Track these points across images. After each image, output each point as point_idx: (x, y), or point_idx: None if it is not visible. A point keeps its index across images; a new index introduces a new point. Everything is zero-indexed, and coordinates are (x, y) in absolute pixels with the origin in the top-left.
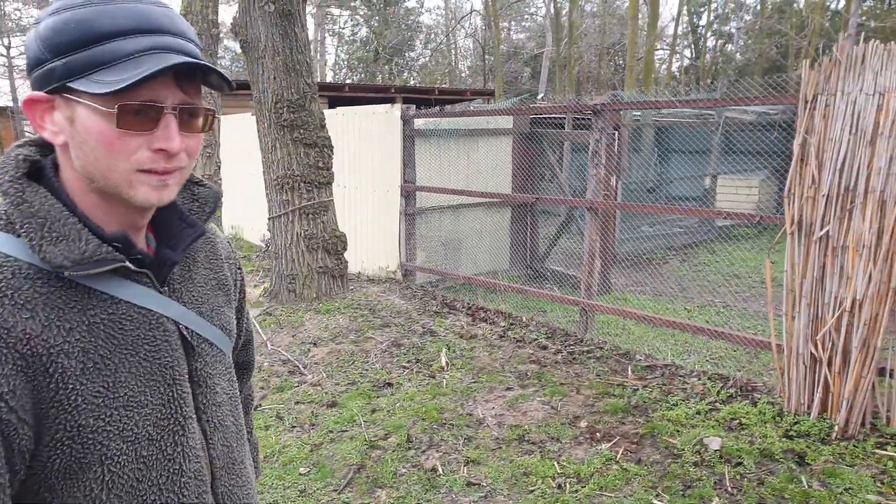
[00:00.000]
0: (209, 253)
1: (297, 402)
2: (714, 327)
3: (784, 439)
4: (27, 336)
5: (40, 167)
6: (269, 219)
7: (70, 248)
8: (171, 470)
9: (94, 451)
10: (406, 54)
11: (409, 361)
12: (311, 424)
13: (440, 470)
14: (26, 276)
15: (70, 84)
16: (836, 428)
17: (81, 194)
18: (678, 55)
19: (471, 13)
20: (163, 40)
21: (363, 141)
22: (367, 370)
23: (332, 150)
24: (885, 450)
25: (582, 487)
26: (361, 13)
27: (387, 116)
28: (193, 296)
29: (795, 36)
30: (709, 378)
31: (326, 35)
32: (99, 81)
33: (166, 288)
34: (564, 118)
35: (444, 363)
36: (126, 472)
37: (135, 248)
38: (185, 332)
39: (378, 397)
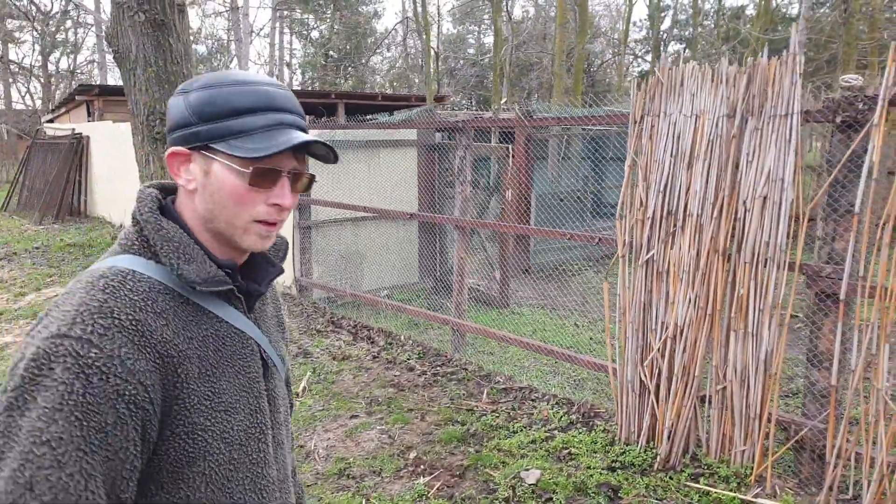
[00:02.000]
0: (273, 294)
1: None
2: (561, 349)
3: (605, 471)
4: (164, 340)
5: (162, 205)
6: None
7: (199, 269)
8: (255, 473)
9: (200, 448)
10: (366, 59)
11: None
12: None
13: None
14: (159, 291)
15: (212, 145)
16: (658, 458)
17: (198, 231)
18: (640, 59)
19: (405, 20)
20: (284, 117)
21: None
22: None
23: None
24: (698, 482)
25: None
26: (316, 15)
27: None
28: (265, 325)
29: (720, 46)
30: (557, 403)
31: (294, 37)
32: (238, 147)
33: (252, 315)
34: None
35: (301, 388)
36: (221, 470)
37: (237, 277)
38: (263, 354)
39: None
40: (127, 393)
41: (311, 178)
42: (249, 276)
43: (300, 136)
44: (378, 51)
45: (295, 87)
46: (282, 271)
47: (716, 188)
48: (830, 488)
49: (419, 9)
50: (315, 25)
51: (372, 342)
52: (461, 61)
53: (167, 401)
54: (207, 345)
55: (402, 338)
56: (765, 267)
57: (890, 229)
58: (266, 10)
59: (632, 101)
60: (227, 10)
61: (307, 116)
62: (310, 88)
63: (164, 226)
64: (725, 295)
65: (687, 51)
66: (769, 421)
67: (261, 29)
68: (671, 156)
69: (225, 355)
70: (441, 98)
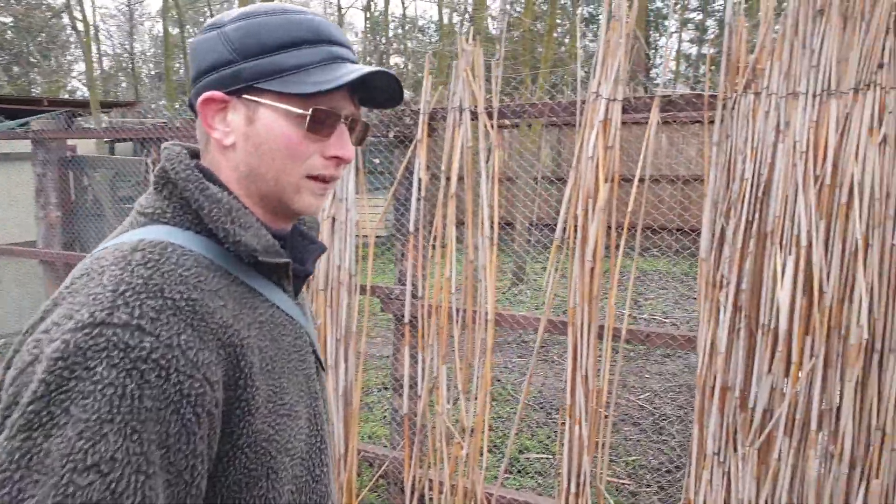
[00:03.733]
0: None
1: None
2: None
3: None
4: (224, 324)
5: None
6: None
7: (258, 236)
8: (319, 493)
9: (263, 463)
10: (58, 58)
11: None
12: None
13: None
14: (206, 266)
15: (259, 85)
16: None
17: (239, 196)
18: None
19: (72, 19)
20: (340, 51)
21: None
22: None
23: None
24: None
25: None
26: None
27: None
28: (307, 316)
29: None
30: None
31: None
32: (295, 83)
33: (297, 301)
34: None
35: None
36: (284, 491)
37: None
38: (315, 349)
39: None
40: (192, 393)
41: (367, 129)
42: (290, 255)
43: (371, 68)
44: (68, 51)
45: None
46: (324, 249)
47: None
48: None
49: (77, 12)
50: None
51: None
52: (177, 64)
53: (229, 403)
54: (264, 333)
55: None
56: (338, 293)
57: (440, 247)
58: None
59: None
60: None
61: None
62: None
63: (209, 186)
64: None
65: (409, 65)
66: (357, 456)
67: None
68: None
69: (282, 347)
70: (130, 103)
